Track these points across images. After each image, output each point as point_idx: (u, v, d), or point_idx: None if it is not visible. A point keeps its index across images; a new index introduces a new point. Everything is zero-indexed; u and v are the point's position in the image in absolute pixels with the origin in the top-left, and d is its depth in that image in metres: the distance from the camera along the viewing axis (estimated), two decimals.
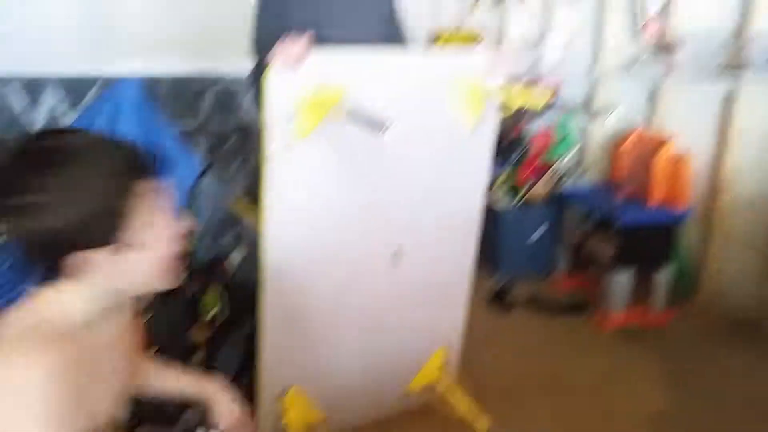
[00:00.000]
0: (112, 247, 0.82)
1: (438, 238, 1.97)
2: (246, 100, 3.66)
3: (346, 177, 1.72)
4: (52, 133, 0.85)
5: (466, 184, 1.97)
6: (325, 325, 1.88)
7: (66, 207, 0.78)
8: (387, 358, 2.04)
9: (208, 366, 2.03)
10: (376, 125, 1.28)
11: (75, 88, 3.20)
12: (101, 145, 0.84)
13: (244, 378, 2.04)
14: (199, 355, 2.00)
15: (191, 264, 2.05)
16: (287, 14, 1.90)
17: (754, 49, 2.53)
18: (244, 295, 2.05)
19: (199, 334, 1.99)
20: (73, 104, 3.19)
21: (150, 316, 1.97)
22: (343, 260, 1.82)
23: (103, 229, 0.80)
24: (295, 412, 1.85)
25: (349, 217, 1.77)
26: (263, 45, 1.80)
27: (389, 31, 2.07)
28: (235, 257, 2.10)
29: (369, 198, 1.79)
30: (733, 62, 2.76)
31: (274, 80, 1.51)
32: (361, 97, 1.58)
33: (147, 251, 0.85)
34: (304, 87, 1.53)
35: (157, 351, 1.96)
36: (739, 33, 2.74)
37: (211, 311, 2.01)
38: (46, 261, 0.83)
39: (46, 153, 0.80)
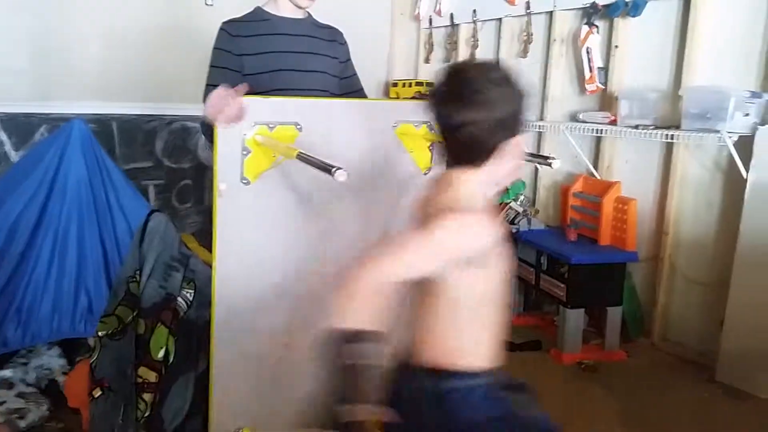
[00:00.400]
0: (516, 138, 1.14)
1: None
2: (202, 138, 3.68)
3: (299, 217, 1.73)
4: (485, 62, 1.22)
5: None
6: (280, 364, 1.84)
7: (506, 104, 1.12)
8: None
9: (159, 405, 1.99)
10: (327, 167, 1.32)
11: (22, 127, 3.19)
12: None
13: (196, 419, 2.00)
14: (148, 394, 1.96)
15: (139, 303, 2.03)
16: (240, 66, 1.90)
17: (687, 104, 2.72)
18: (194, 334, 2.00)
19: (148, 373, 1.96)
20: (21, 143, 3.18)
21: (97, 353, 1.93)
22: (296, 300, 1.80)
23: (517, 123, 1.15)
24: None
25: (302, 257, 1.78)
26: None
27: (342, 84, 2.09)
28: (185, 296, 2.09)
29: (322, 238, 1.80)
30: (670, 114, 2.95)
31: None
32: (313, 139, 1.64)
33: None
34: (256, 127, 1.58)
35: (104, 388, 1.93)
36: (674, 88, 2.95)
37: (160, 350, 1.98)
38: (481, 147, 1.13)
39: (490, 70, 1.15)
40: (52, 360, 2.28)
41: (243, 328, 1.74)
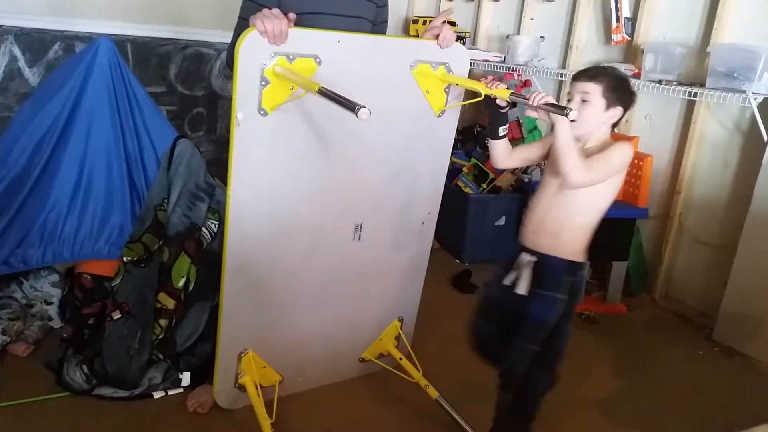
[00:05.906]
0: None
1: (400, 216, 2.01)
2: (216, 66, 3.58)
3: (313, 150, 1.73)
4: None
5: (430, 166, 2.01)
6: (286, 292, 1.90)
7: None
8: (344, 326, 2.08)
9: (173, 329, 2.05)
10: (351, 105, 1.29)
11: (36, 43, 3.10)
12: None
13: (207, 343, 2.05)
14: (165, 320, 2.01)
15: (164, 231, 2.03)
16: (278, 4, 1.76)
17: (714, 61, 2.64)
18: (215, 265, 2.01)
19: (167, 300, 2.00)
20: (35, 60, 3.10)
21: (120, 278, 1.96)
22: (306, 232, 1.84)
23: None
24: (252, 374, 1.88)
25: (314, 190, 1.79)
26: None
27: (373, 31, 2.02)
28: (210, 227, 2.09)
29: (335, 173, 1.81)
30: (695, 71, 2.88)
31: (247, 48, 1.50)
32: (331, 73, 1.60)
33: None
34: (275, 57, 1.54)
35: (123, 312, 1.98)
36: (702, 45, 2.88)
37: (181, 279, 2.01)
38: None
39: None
40: (45, 286, 2.31)
41: (254, 256, 1.77)
